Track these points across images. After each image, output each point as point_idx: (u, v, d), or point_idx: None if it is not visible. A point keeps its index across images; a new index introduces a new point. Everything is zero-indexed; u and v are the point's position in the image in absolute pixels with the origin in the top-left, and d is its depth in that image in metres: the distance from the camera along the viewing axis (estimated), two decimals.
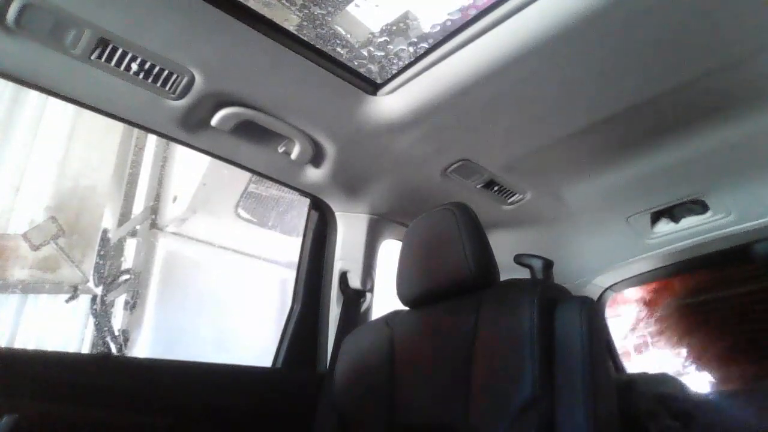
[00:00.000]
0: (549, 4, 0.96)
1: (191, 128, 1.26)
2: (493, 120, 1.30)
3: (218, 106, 1.22)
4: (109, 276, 3.29)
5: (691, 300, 2.78)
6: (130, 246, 3.44)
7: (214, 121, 1.23)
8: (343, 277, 1.59)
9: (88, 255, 3.17)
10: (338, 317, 1.53)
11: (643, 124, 1.32)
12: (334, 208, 1.64)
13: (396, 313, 1.25)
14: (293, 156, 1.38)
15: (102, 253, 3.27)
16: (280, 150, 1.39)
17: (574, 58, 1.07)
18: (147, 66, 1.07)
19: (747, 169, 1.48)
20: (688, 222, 1.73)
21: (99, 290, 3.21)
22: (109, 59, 1.04)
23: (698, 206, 1.68)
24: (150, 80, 1.10)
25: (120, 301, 3.28)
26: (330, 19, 1.32)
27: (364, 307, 1.59)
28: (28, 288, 3.04)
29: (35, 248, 2.96)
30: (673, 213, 1.76)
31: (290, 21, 1.32)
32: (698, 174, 1.52)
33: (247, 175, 3.23)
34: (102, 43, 1.00)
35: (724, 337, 2.63)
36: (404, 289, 1.21)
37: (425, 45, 1.27)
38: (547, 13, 0.97)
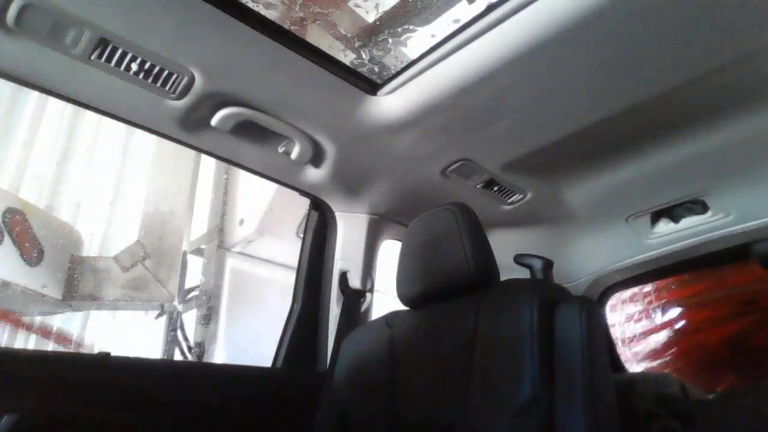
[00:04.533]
0: (548, 5, 0.96)
1: (191, 128, 1.26)
2: (493, 120, 1.30)
3: (218, 106, 1.22)
4: (184, 293, 3.59)
5: (690, 300, 2.78)
6: (193, 263, 3.72)
7: (214, 121, 1.23)
8: (343, 277, 1.59)
9: (172, 276, 3.51)
10: (338, 317, 1.52)
11: (643, 124, 1.32)
12: (334, 208, 1.64)
13: (396, 313, 1.25)
14: (293, 156, 1.38)
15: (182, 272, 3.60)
16: (280, 150, 1.39)
17: (574, 59, 1.07)
18: (147, 66, 1.07)
19: (747, 169, 1.48)
20: (688, 222, 1.73)
21: (180, 307, 3.53)
22: (109, 59, 1.04)
23: (698, 206, 1.68)
24: (150, 80, 1.10)
25: (190, 315, 3.53)
26: (385, 59, 1.35)
27: (364, 307, 1.59)
28: (122, 305, 3.37)
29: (126, 269, 3.27)
30: (673, 213, 1.75)
31: (347, 57, 1.37)
32: (698, 174, 1.52)
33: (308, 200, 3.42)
34: (102, 43, 1.00)
35: (723, 337, 2.63)
36: (404, 289, 1.21)
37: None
38: (547, 13, 0.97)
